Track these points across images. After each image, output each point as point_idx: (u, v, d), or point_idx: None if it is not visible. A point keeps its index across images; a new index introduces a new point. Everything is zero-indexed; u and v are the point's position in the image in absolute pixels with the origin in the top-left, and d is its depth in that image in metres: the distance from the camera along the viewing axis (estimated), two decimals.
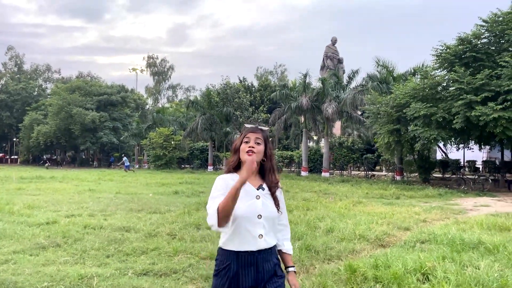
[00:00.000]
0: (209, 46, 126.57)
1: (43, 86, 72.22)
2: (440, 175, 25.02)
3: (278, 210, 2.28)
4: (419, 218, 9.74)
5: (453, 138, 19.26)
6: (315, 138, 42.25)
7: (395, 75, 25.21)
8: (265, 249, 2.21)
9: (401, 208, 11.76)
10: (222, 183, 2.21)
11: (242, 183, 1.98)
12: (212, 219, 2.04)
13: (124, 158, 36.92)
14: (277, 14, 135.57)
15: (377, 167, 33.56)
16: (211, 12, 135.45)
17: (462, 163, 26.80)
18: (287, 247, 2.38)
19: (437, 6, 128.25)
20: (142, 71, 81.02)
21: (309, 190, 17.70)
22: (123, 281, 4.74)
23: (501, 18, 18.25)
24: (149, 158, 41.83)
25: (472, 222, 8.66)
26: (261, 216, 2.19)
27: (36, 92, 66.14)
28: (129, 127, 49.72)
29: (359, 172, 30.75)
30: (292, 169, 33.51)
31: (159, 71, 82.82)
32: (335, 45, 60.65)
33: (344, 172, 30.45)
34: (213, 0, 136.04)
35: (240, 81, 51.18)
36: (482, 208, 12.83)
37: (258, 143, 2.25)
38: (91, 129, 46.60)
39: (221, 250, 2.24)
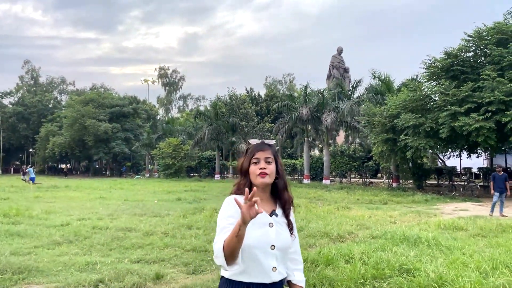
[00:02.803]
0: (220, 55, 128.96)
1: (58, 99, 74.75)
2: (435, 182, 25.93)
3: (291, 234, 2.07)
4: (390, 220, 10.90)
5: (440, 147, 20.22)
6: (320, 146, 43.39)
7: (390, 86, 26.34)
8: (277, 282, 2.02)
9: (380, 212, 12.91)
10: (229, 211, 1.97)
11: (245, 225, 1.74)
12: (219, 259, 1.85)
13: (29, 169, 32.86)
14: (288, 22, 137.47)
15: (379, 175, 34.55)
16: (222, 21, 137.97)
17: (458, 170, 27.68)
18: (297, 278, 2.13)
19: (449, 11, 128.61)
20: (153, 82, 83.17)
21: (304, 196, 18.84)
22: (120, 266, 6.03)
23: (485, 33, 19.34)
24: (159, 167, 43.36)
25: (434, 224, 9.78)
26: (274, 246, 1.98)
27: (51, 104, 68.55)
28: (140, 137, 51.46)
29: (359, 179, 31.75)
30: (295, 177, 34.65)
31: (170, 81, 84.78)
32: (341, 55, 61.85)
33: (344, 180, 31.50)
34: (224, 10, 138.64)
35: (247, 92, 52.66)
36: (459, 212, 13.87)
37: (269, 162, 2.04)
38: (104, 140, 48.45)
39: (227, 281, 2.00)
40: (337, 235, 8.12)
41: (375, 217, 11.50)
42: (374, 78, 26.93)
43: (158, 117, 71.60)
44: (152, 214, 11.97)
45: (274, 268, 1.97)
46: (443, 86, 18.91)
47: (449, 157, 25.45)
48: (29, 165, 43.53)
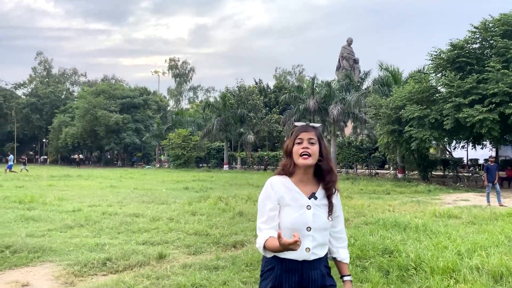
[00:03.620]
0: (230, 46, 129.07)
1: (70, 90, 75.81)
2: (441, 173, 26.09)
3: (329, 215, 2.10)
4: (388, 209, 11.24)
5: (445, 138, 20.38)
6: (327, 137, 43.58)
7: (397, 78, 26.43)
8: (313, 260, 2.07)
9: (380, 201, 13.25)
10: (270, 194, 2.08)
11: (279, 251, 1.86)
12: (260, 249, 2.02)
13: (10, 157, 32.71)
14: (297, 13, 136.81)
15: (386, 166, 34.75)
16: (232, 13, 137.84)
17: (465, 161, 27.77)
18: (342, 255, 2.21)
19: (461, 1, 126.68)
20: (164, 73, 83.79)
21: None
22: (127, 247, 6.51)
23: (491, 25, 19.35)
24: (169, 158, 44.04)
25: (429, 212, 10.11)
26: (310, 228, 2.04)
27: (63, 95, 69.64)
28: (151, 128, 52.20)
29: (366, 170, 32.00)
30: None
31: (181, 73, 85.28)
32: (350, 46, 61.61)
33: (351, 171, 31.78)
34: (234, 0, 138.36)
35: (256, 83, 52.91)
36: (460, 202, 14.13)
37: (312, 143, 2.07)
38: (115, 131, 49.29)
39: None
40: None
41: (374, 206, 11.85)
42: (381, 70, 27.05)
43: (169, 108, 72.28)
44: (160, 201, 12.47)
45: (308, 249, 2.03)
46: (448, 77, 19.01)
47: (455, 148, 25.55)
48: (9, 153, 44.24)
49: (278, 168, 2.18)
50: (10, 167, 30.15)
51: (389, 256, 5.28)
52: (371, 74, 33.30)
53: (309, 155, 2.03)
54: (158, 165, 48.08)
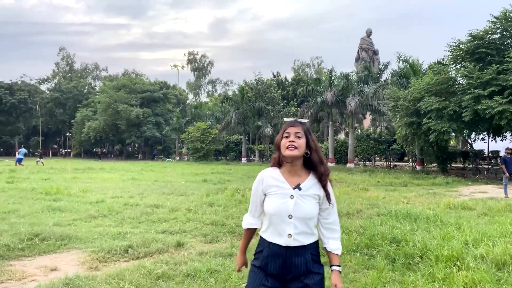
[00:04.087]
0: (248, 39, 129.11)
1: (92, 84, 77.38)
2: (461, 165, 25.79)
3: (329, 202, 2.27)
4: (403, 201, 11.33)
5: (464, 130, 20.16)
6: (346, 130, 43.43)
7: (416, 69, 26.14)
8: (295, 246, 2.21)
9: (396, 193, 13.33)
10: (257, 186, 2.34)
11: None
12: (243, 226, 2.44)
13: (21, 150, 32.50)
14: (316, 4, 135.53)
15: (405, 158, 34.46)
16: (250, 5, 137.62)
17: (486, 153, 27.34)
18: (332, 246, 2.31)
19: None
20: (183, 67, 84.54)
21: None
22: (147, 235, 6.87)
23: (511, 15, 18.95)
24: (188, 151, 44.69)
25: (444, 204, 10.17)
26: (291, 216, 2.19)
27: (86, 90, 71.14)
28: (170, 121, 52.95)
29: (384, 163, 31.85)
30: None
31: (199, 66, 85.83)
32: (370, 37, 60.94)
33: (369, 163, 31.68)
34: None
35: (274, 76, 52.94)
36: (476, 194, 14.07)
37: (299, 137, 2.24)
38: (135, 124, 50.22)
39: (260, 236, 2.33)
40: (346, 213, 8.71)
41: (389, 197, 11.96)
42: (399, 62, 26.79)
43: (188, 101, 73.04)
44: (179, 193, 12.87)
45: (290, 235, 2.18)
46: (467, 69, 18.77)
47: (475, 140, 25.20)
48: (22, 146, 43.71)
49: (271, 161, 2.39)
50: (19, 160, 30.16)
51: (397, 245, 5.47)
52: (390, 65, 33.01)
53: (295, 148, 2.20)
54: (177, 158, 48.85)
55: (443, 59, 24.75)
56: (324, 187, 2.26)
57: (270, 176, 2.29)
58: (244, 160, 40.05)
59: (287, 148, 2.21)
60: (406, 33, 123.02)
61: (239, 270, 2.51)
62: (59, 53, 78.34)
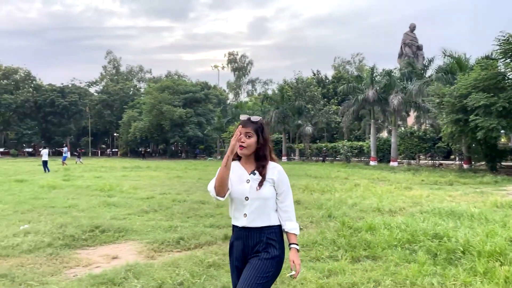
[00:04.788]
0: (287, 37, 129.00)
1: (137, 86, 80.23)
2: None
3: (259, 187, 2.49)
4: (448, 199, 11.17)
5: None
6: (388, 128, 42.60)
7: (462, 65, 25.32)
8: (251, 227, 2.49)
9: (441, 192, 13.11)
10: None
11: (228, 156, 2.42)
12: (211, 192, 2.52)
13: (65, 149, 33.91)
14: (356, 0, 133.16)
15: (452, 156, 33.39)
16: (289, 3, 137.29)
17: None
18: (289, 226, 2.54)
19: None
20: (223, 67, 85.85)
21: (367, 177, 19.23)
22: (196, 229, 7.31)
23: None
24: None
25: (490, 202, 9.97)
26: (247, 198, 2.48)
27: (131, 92, 73.94)
28: (212, 121, 54.07)
29: (429, 161, 31.03)
30: (361, 159, 34.65)
31: (239, 66, 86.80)
32: (413, 32, 59.38)
33: (413, 162, 30.97)
34: None
35: (314, 74, 52.75)
36: None
37: (249, 136, 2.50)
38: (179, 124, 51.72)
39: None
40: (388, 210, 8.78)
41: (434, 196, 11.80)
42: (444, 57, 26.04)
43: (228, 101, 74.17)
44: None
45: (245, 215, 2.49)
46: None
47: None
48: (64, 145, 45.02)
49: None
50: (64, 159, 31.48)
51: (439, 241, 5.56)
52: (435, 61, 32.13)
53: (244, 147, 2.49)
54: (219, 157, 49.84)
55: (491, 54, 23.83)
56: (261, 173, 2.51)
57: (234, 165, 2.55)
58: (284, 159, 40.28)
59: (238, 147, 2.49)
60: (451, 26, 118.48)
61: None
62: (106, 57, 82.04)
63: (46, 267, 5.20)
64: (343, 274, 4.57)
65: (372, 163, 30.57)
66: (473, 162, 24.81)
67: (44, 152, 24.78)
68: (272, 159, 2.61)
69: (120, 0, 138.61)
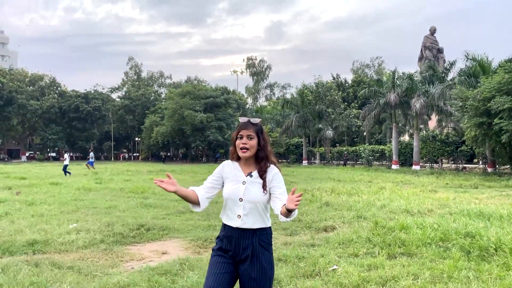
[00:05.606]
0: (305, 41, 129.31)
1: (158, 92, 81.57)
2: None
3: (264, 191, 2.50)
4: (474, 202, 11.32)
5: None
6: (410, 131, 42.42)
7: (486, 68, 25.23)
8: (244, 229, 2.50)
9: (466, 194, 13.24)
10: (219, 169, 2.67)
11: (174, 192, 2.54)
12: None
13: (91, 154, 34.48)
14: (375, 2, 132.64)
15: (475, 160, 33.11)
16: (307, 7, 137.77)
17: None
18: (280, 206, 2.50)
19: None
20: (242, 72, 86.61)
21: (391, 180, 19.37)
22: None
23: None
24: None
25: None
26: (242, 199, 2.49)
27: (152, 97, 75.22)
28: (232, 125, 54.65)
29: (452, 165, 30.85)
30: (383, 163, 34.63)
31: (258, 71, 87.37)
32: (434, 35, 58.89)
33: (435, 165, 30.84)
34: None
35: (334, 78, 52.90)
36: None
37: (251, 138, 2.52)
38: (200, 129, 52.49)
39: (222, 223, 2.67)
40: (417, 212, 9.03)
41: (460, 199, 11.95)
42: (467, 60, 25.99)
43: (247, 106, 74.73)
44: None
45: (239, 216, 2.49)
46: None
47: None
48: (90, 150, 45.04)
49: (230, 154, 2.70)
50: (91, 163, 32.25)
51: (471, 239, 5.83)
52: (457, 64, 31.93)
53: (247, 149, 2.52)
54: None
55: None
56: (261, 176, 2.54)
57: (231, 165, 2.63)
58: (305, 162, 40.51)
59: (240, 149, 2.53)
60: (472, 29, 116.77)
61: (159, 182, 2.52)
62: (128, 63, 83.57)
63: (104, 261, 5.68)
64: (382, 269, 4.90)
65: (394, 166, 30.57)
66: (497, 166, 24.64)
67: (66, 156, 26.09)
68: (272, 162, 2.62)
69: (139, 7, 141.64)
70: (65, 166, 24.61)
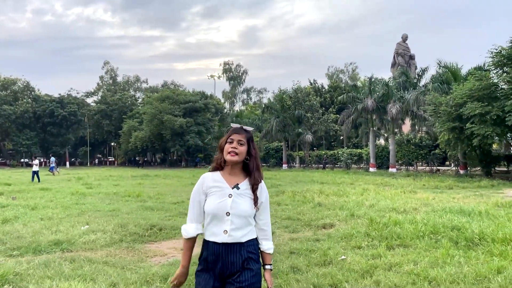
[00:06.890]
0: (281, 46, 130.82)
1: (135, 96, 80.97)
2: (505, 169, 26.07)
3: (256, 206, 2.39)
4: (452, 201, 12.30)
5: (508, 134, 20.69)
6: (385, 135, 43.97)
7: (457, 75, 26.73)
8: (232, 243, 2.33)
9: (444, 195, 14.26)
10: (198, 187, 2.44)
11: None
12: (183, 227, 2.49)
13: (52, 159, 34.91)
14: (349, 9, 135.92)
15: (447, 163, 34.77)
16: (282, 12, 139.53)
17: None
18: (265, 246, 2.46)
19: None
20: (219, 77, 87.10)
21: (371, 182, 20.38)
22: None
23: None
24: None
25: (492, 202, 11.12)
26: (229, 213, 2.32)
27: (129, 102, 74.64)
28: (211, 130, 55.04)
29: (426, 167, 32.33)
30: (361, 166, 35.86)
31: (234, 76, 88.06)
32: (406, 42, 61.06)
33: (411, 168, 32.26)
34: (284, 0, 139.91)
35: (311, 84, 54.17)
36: None
37: (241, 144, 2.39)
38: (179, 134, 52.62)
39: (203, 240, 2.44)
40: (403, 210, 9.86)
41: (439, 198, 12.93)
42: (439, 68, 27.47)
43: (225, 110, 75.19)
44: None
45: (225, 231, 2.32)
46: (509, 74, 19.41)
47: None
48: (50, 154, 44.90)
49: (212, 163, 2.54)
50: (52, 169, 32.78)
51: (458, 232, 6.65)
52: (429, 70, 33.61)
53: (236, 154, 2.37)
54: None
55: (484, 65, 25.28)
56: (254, 191, 2.40)
57: (211, 178, 2.44)
58: (285, 166, 41.38)
59: (229, 153, 2.38)
60: (441, 36, 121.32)
61: (174, 281, 2.46)
62: (103, 67, 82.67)
63: (131, 257, 6.17)
64: (385, 257, 5.62)
65: (371, 169, 31.79)
66: (469, 168, 26.12)
67: (36, 162, 26.11)
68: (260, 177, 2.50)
69: (111, 10, 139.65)
70: (34, 172, 24.03)
